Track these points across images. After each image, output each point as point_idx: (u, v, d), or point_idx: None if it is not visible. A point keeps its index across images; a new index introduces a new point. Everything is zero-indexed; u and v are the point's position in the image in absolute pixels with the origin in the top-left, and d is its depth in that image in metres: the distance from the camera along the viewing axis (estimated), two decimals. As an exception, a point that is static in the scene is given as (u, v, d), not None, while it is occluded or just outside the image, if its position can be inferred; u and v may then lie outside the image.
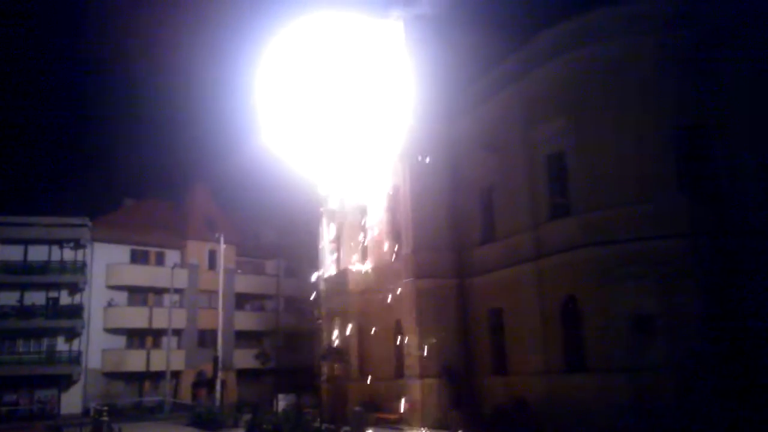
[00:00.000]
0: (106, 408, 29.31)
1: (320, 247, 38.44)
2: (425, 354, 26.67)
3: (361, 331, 31.84)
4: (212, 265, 51.28)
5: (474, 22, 30.03)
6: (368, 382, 30.31)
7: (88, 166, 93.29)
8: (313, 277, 37.30)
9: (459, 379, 26.37)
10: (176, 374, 49.70)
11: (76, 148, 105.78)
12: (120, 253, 50.45)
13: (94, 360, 47.41)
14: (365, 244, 33.22)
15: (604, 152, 21.83)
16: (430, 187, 28.48)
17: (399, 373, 28.49)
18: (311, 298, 37.13)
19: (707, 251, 20.08)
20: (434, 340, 26.65)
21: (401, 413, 26.82)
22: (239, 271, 54.85)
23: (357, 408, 25.90)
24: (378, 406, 28.15)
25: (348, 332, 32.31)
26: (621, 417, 19.52)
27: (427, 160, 28.41)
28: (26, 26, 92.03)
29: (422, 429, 24.99)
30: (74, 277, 47.65)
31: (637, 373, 19.76)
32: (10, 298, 46.20)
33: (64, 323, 46.77)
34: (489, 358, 26.30)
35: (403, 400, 27.01)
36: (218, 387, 37.62)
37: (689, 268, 19.99)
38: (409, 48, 29.76)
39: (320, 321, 35.23)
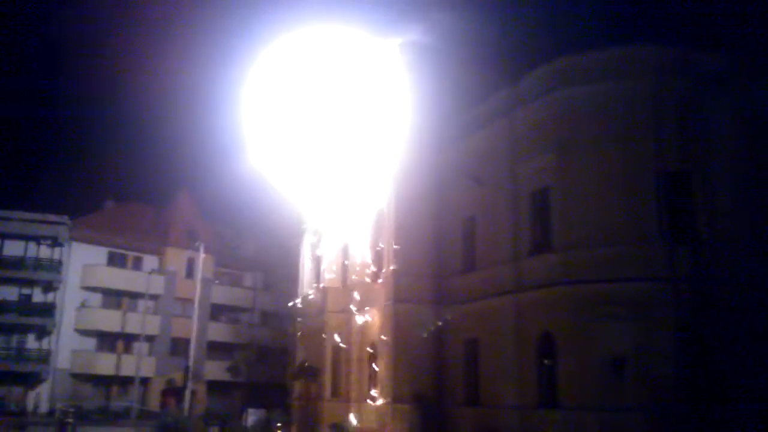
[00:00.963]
0: (72, 410, 29.03)
1: (300, 263, 38.48)
2: (398, 379, 26.76)
3: (336, 351, 31.86)
4: (190, 273, 51.08)
5: (467, 55, 30.47)
6: (341, 402, 30.30)
7: (72, 165, 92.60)
8: (294, 295, 37.25)
9: (430, 407, 26.43)
10: (146, 381, 49.23)
11: (59, 146, 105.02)
12: (97, 254, 50.14)
13: (63, 360, 46.93)
14: (346, 264, 33.32)
15: (587, 191, 22.16)
16: (415, 213, 28.71)
17: (371, 395, 28.51)
18: (288, 314, 37.07)
19: (685, 295, 20.44)
20: (408, 366, 26.76)
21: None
22: (217, 281, 54.63)
23: (327, 428, 25.90)
24: (349, 428, 28.13)
25: (323, 351, 32.31)
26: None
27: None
28: (13, 23, 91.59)
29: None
30: (49, 274, 47.24)
31: (609, 412, 19.98)
32: (-18, 291, 45.69)
33: (36, 321, 46.31)
34: (462, 388, 26.40)
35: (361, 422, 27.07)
36: (188, 397, 37.40)
37: (666, 312, 20.31)
38: (401, 73, 30.10)
39: (298, 335, 35.17)
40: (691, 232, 21.56)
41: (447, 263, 28.33)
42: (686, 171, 21.96)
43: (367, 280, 30.50)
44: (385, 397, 27.12)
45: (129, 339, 49.57)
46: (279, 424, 31.83)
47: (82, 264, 48.87)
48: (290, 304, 36.47)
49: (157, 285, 50.55)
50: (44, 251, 47.74)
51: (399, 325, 27.45)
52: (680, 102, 22.08)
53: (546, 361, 22.50)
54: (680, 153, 21.82)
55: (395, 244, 28.49)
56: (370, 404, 28.15)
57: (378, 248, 30.25)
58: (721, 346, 20.17)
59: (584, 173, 22.38)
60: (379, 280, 29.32)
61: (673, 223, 21.43)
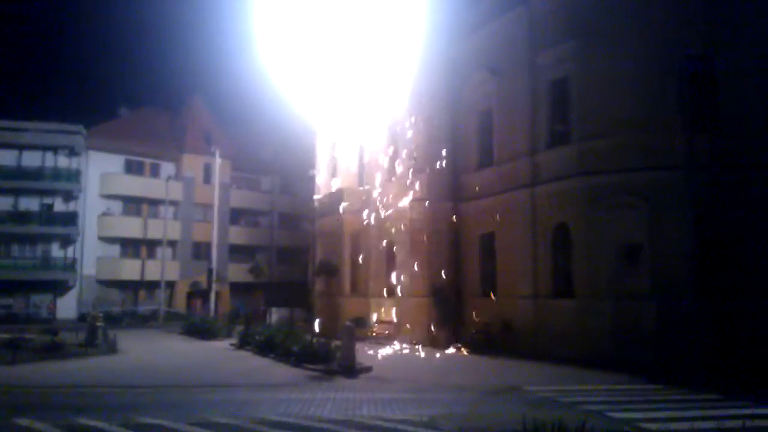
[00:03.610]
0: (101, 314, 29.82)
1: (316, 165, 38.40)
2: (416, 274, 27.10)
3: (354, 250, 32.21)
4: (207, 178, 51.33)
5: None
6: (360, 297, 30.90)
7: (86, 74, 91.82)
8: (312, 197, 37.29)
9: (448, 300, 26.87)
10: (171, 284, 50.55)
11: (73, 54, 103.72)
12: (115, 162, 50.40)
13: (89, 267, 48.00)
14: (362, 163, 33.18)
15: (608, 80, 21.57)
16: (431, 109, 28.22)
17: (390, 291, 28.96)
18: (306, 215, 37.26)
19: (700, 185, 20.07)
20: (426, 261, 27.04)
21: (391, 330, 27.46)
22: (234, 186, 54.92)
23: (347, 323, 26.43)
24: (368, 322, 28.78)
25: (342, 250, 32.70)
26: (601, 342, 20.05)
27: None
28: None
29: (411, 345, 25.62)
30: (68, 184, 47.67)
31: (623, 300, 20.15)
32: (4, 203, 46.34)
33: (59, 230, 47.12)
34: (478, 281, 26.71)
35: (393, 316, 27.65)
36: (212, 298, 38.29)
37: (680, 200, 20.01)
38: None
39: (317, 235, 35.49)
40: (712, 119, 20.94)
41: (463, 158, 28.06)
42: (710, 55, 21.11)
43: (384, 178, 30.39)
44: (403, 292, 27.54)
45: (152, 245, 50.46)
46: (301, 321, 32.60)
47: (100, 172, 49.20)
48: (307, 200, 36.52)
49: (176, 191, 50.98)
50: (62, 161, 47.99)
51: (415, 221, 27.55)
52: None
53: (561, 253, 22.54)
54: (704, 37, 20.97)
55: (411, 141, 28.19)
56: (390, 299, 28.64)
57: (394, 146, 29.96)
58: (737, 236, 19.99)
59: (605, 61, 21.71)
60: (395, 178, 29.19)
61: (695, 110, 20.77)
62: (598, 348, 20.07)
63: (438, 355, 23.43)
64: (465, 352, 24.04)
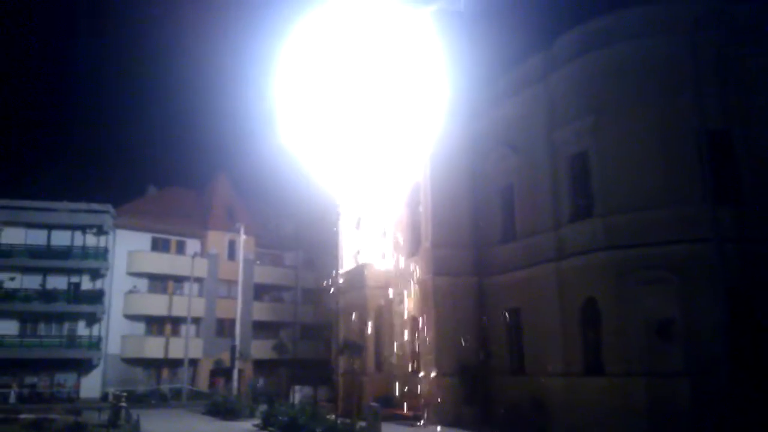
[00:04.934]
0: (125, 393, 29.63)
1: (339, 240, 38.54)
2: (442, 351, 26.70)
3: (378, 326, 31.94)
4: (232, 255, 51.67)
5: (500, 20, 29.88)
6: (386, 376, 30.42)
7: (114, 154, 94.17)
8: (335, 272, 37.33)
9: (475, 378, 26.34)
10: (194, 362, 50.22)
11: (102, 135, 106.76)
12: (141, 240, 51.00)
13: (113, 345, 48.00)
14: (384, 238, 33.25)
15: (627, 154, 21.68)
16: (451, 184, 28.40)
17: (415, 369, 28.52)
18: (330, 291, 37.21)
19: (729, 257, 19.85)
20: (451, 338, 26.67)
21: (417, 410, 26.88)
22: (258, 261, 55.18)
23: (372, 403, 25.97)
24: (393, 401, 28.22)
25: (365, 327, 32.43)
26: (635, 421, 19.43)
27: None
28: (55, 12, 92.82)
29: (437, 426, 25.02)
30: (96, 262, 48.23)
31: (655, 378, 19.63)
32: (33, 281, 46.90)
33: (85, 308, 47.40)
34: (506, 358, 26.24)
35: (419, 395, 27.11)
36: (235, 376, 37.95)
37: (711, 273, 19.77)
38: (433, 42, 29.68)
39: (338, 314, 35.34)
40: (734, 192, 20.91)
41: (486, 233, 28.01)
42: (727, 128, 21.27)
43: (406, 253, 30.38)
44: (429, 370, 27.09)
45: (176, 322, 50.46)
46: (325, 400, 32.09)
47: (127, 250, 49.77)
48: (330, 281, 36.52)
49: (201, 268, 51.29)
50: (90, 239, 48.72)
51: (440, 297, 27.32)
52: (718, 57, 21.30)
53: (590, 328, 22.15)
54: (720, 110, 21.13)
55: (432, 216, 28.27)
56: (415, 377, 28.17)
57: (416, 221, 30.06)
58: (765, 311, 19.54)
59: (623, 135, 21.87)
60: (418, 253, 29.16)
61: (716, 183, 20.76)
62: (632, 428, 19.44)
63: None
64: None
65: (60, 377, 46.66)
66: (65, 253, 47.90)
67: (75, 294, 47.87)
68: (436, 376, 26.66)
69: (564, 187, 24.07)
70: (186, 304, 48.67)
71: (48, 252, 47.56)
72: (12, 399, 42.42)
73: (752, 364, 18.95)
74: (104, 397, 41.75)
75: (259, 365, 52.22)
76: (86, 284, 48.49)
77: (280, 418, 24.90)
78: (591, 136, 22.82)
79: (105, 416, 25.53)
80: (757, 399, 18.05)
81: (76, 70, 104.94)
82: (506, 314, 26.41)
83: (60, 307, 46.79)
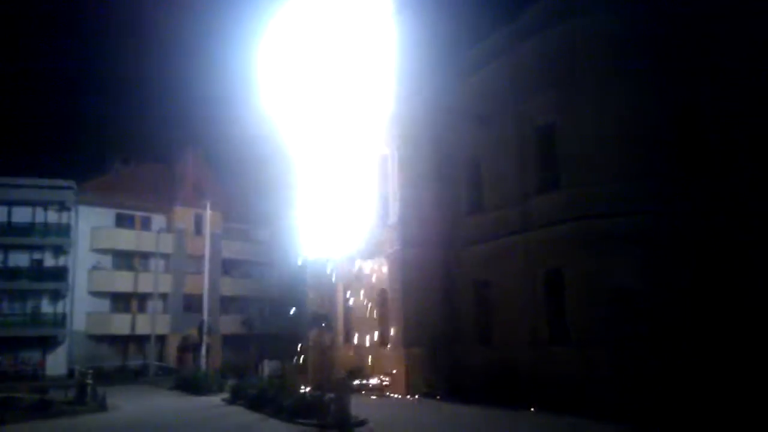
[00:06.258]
0: (90, 371, 29.29)
1: (307, 214, 38.30)
2: (410, 323, 26.84)
3: (347, 300, 31.98)
4: (199, 230, 51.15)
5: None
6: (353, 350, 30.54)
7: (77, 128, 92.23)
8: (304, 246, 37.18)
9: (443, 349, 26.56)
10: (162, 338, 49.90)
11: (65, 109, 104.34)
12: (105, 216, 50.22)
13: (78, 322, 47.39)
14: (352, 211, 33.15)
15: (593, 126, 21.76)
16: (419, 157, 28.38)
17: (384, 341, 28.66)
18: (299, 265, 37.04)
19: (692, 229, 20.16)
20: (419, 310, 26.81)
21: (386, 381, 27.07)
22: (226, 237, 54.74)
23: (341, 375, 26.09)
24: (363, 373, 28.35)
25: (334, 300, 32.46)
26: (602, 389, 19.75)
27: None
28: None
29: (406, 397, 25.23)
30: (59, 239, 47.43)
31: (619, 346, 19.92)
32: (-6, 259, 46.01)
33: (49, 285, 46.66)
34: (474, 329, 26.47)
35: (388, 367, 27.29)
36: (203, 352, 37.77)
37: (674, 245, 20.07)
38: (398, 17, 29.48)
39: (307, 288, 35.28)
40: (704, 165, 21.09)
41: (454, 206, 28.12)
42: (698, 101, 21.40)
43: (374, 227, 30.36)
44: (397, 342, 27.25)
45: (142, 298, 49.95)
46: (294, 373, 32.13)
47: (91, 227, 49.00)
48: (299, 255, 36.36)
49: (167, 243, 50.79)
50: (52, 216, 47.83)
51: (408, 270, 27.42)
52: (688, 29, 21.32)
53: (556, 299, 22.41)
54: (691, 83, 21.20)
55: (400, 189, 28.26)
56: (383, 349, 28.32)
57: (384, 194, 30.01)
58: (732, 280, 19.88)
59: (589, 108, 21.92)
60: (386, 227, 29.16)
61: (685, 156, 20.97)
62: (598, 396, 19.75)
63: (435, 406, 23.06)
64: (463, 403, 23.64)
65: (24, 355, 45.99)
66: (27, 229, 46.98)
67: (38, 271, 47.08)
68: (404, 348, 26.82)
69: (531, 159, 24.18)
70: (152, 280, 48.21)
71: (9, 229, 46.59)
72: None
73: (715, 333, 19.31)
74: (70, 374, 41.29)
75: (228, 340, 52.09)
76: (49, 261, 47.67)
77: (248, 391, 24.89)
78: (557, 108, 22.90)
79: (71, 394, 25.26)
80: (724, 364, 18.41)
81: (39, 41, 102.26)
82: (475, 286, 26.60)
83: (23, 284, 46.03)
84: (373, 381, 27.49)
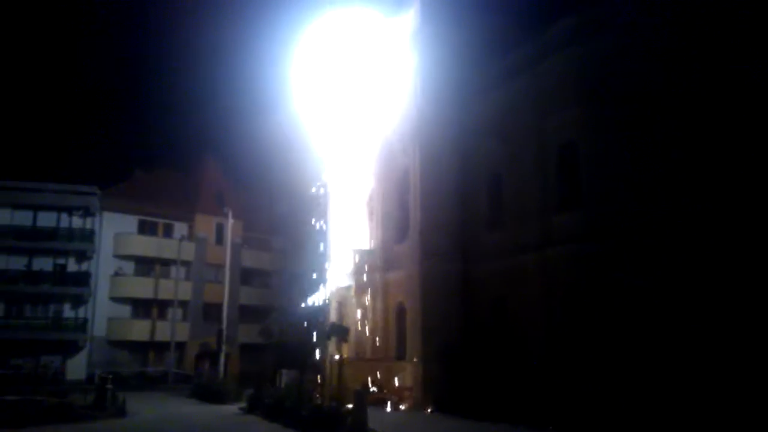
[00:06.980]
0: (110, 376, 29.56)
1: (327, 225, 38.46)
2: (427, 337, 26.82)
3: (364, 311, 32.03)
4: (219, 239, 51.58)
5: (491, 8, 29.83)
6: (370, 362, 30.55)
7: (101, 136, 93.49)
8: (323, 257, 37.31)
9: (460, 364, 26.47)
10: (180, 346, 50.24)
11: (89, 117, 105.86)
12: (128, 223, 50.85)
13: (99, 328, 47.92)
14: (373, 224, 33.29)
15: (615, 144, 21.69)
16: (440, 171, 28.45)
17: (401, 354, 28.66)
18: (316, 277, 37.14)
19: (718, 245, 19.94)
20: (436, 324, 26.79)
21: (402, 394, 27.04)
22: (245, 245, 55.07)
23: (358, 387, 26.08)
24: (379, 386, 28.37)
25: (352, 312, 32.54)
26: (623, 408, 19.59)
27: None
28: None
29: (423, 411, 25.18)
30: (82, 244, 48.08)
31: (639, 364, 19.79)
32: (18, 263, 46.68)
33: (71, 290, 47.28)
34: (492, 344, 26.37)
35: (399, 381, 27.26)
36: (222, 360, 37.97)
37: (697, 261, 19.91)
38: (423, 31, 29.64)
39: (328, 297, 35.37)
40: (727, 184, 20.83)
41: (474, 220, 28.10)
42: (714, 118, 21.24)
43: (394, 239, 30.45)
44: (413, 356, 27.23)
45: (163, 305, 50.41)
46: (312, 384, 32.15)
47: (114, 233, 49.59)
48: (317, 267, 36.48)
49: (188, 251, 51.26)
50: (76, 221, 48.52)
51: (426, 283, 27.41)
52: (713, 48, 21.20)
53: (574, 316, 22.33)
54: (711, 103, 21.08)
55: (421, 203, 28.32)
56: (400, 363, 28.31)
57: (405, 208, 30.10)
58: (750, 295, 19.67)
59: (611, 126, 21.85)
60: (406, 239, 29.23)
61: (704, 174, 20.78)
62: (617, 416, 19.58)
63: (450, 421, 22.99)
64: (479, 419, 23.53)
65: (45, 359, 46.53)
66: (51, 234, 47.70)
67: (61, 276, 47.73)
68: (421, 361, 26.80)
69: (552, 176, 24.16)
70: (173, 287, 48.62)
71: (34, 233, 47.30)
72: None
73: (739, 343, 19.08)
74: (90, 378, 41.69)
75: (246, 349, 52.30)
76: (72, 266, 48.34)
77: (266, 401, 24.97)
78: (579, 126, 22.88)
79: (91, 398, 25.52)
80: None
81: (64, 50, 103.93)
82: (493, 300, 26.53)
83: (46, 288, 46.65)
84: (390, 394, 27.46)
